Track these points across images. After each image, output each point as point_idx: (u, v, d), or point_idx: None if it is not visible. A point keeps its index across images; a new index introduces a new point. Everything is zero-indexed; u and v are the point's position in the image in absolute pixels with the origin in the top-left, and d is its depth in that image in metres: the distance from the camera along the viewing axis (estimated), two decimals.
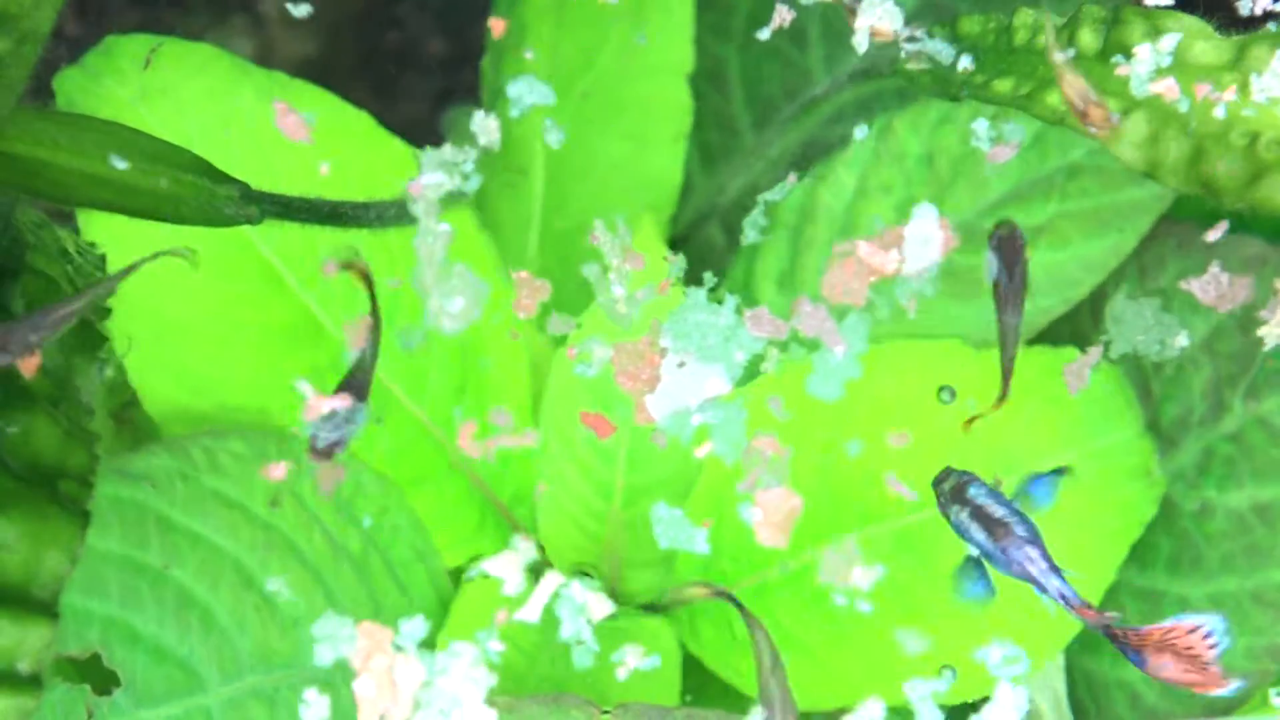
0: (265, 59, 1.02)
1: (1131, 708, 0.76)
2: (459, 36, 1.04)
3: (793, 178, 0.67)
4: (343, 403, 0.56)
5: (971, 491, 0.60)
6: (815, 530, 0.73)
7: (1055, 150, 0.75)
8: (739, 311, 0.66)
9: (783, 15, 0.65)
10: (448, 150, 0.60)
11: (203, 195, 0.61)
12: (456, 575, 0.75)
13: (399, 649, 0.62)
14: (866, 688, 0.72)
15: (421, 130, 0.72)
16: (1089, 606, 0.57)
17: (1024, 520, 0.59)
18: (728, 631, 0.75)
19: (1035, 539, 0.58)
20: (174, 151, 0.60)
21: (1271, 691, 0.73)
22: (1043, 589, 0.58)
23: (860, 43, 0.63)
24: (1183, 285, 0.64)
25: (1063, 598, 0.57)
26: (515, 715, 0.65)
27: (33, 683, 0.55)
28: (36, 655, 0.55)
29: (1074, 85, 0.58)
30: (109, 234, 0.69)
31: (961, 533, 0.60)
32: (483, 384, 0.75)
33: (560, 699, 0.66)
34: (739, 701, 0.75)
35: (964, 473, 0.61)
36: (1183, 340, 0.63)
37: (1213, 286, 0.65)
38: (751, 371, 0.68)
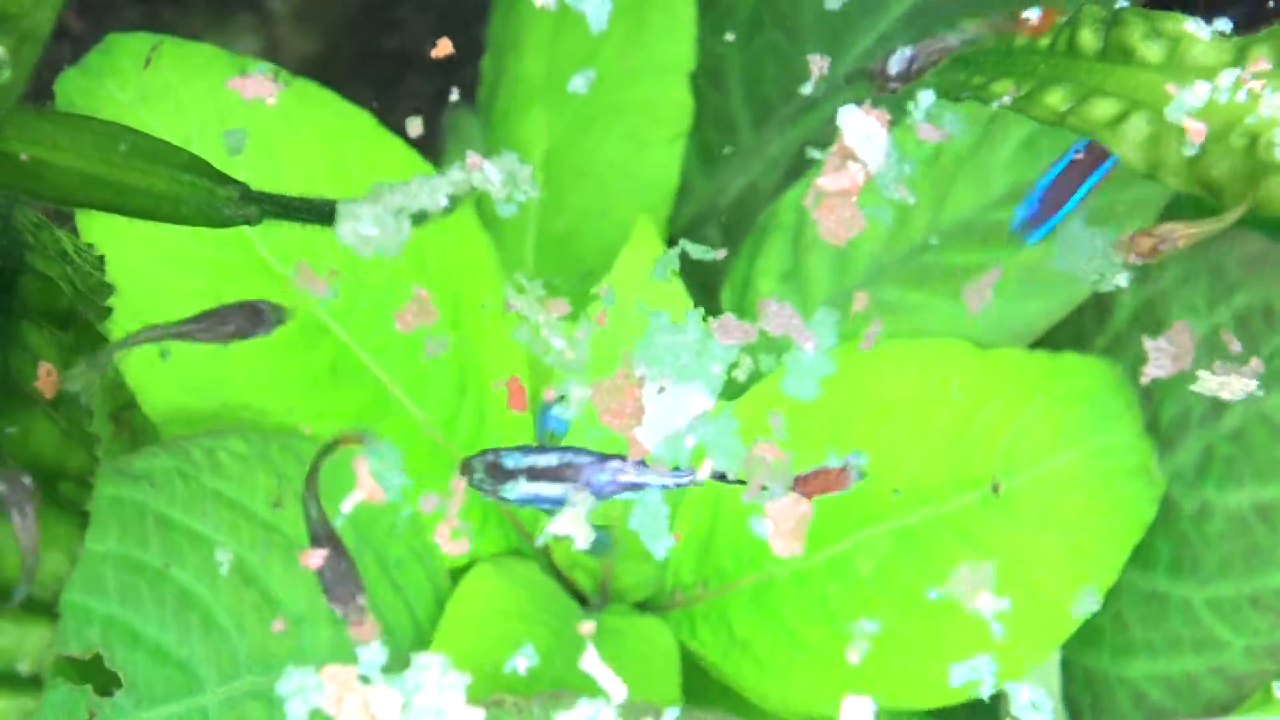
0: (266, 58, 1.02)
1: (1135, 706, 0.76)
2: (459, 37, 1.04)
3: (722, 253, 0.67)
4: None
5: (510, 461, 0.60)
6: (815, 531, 0.73)
7: (1054, 150, 0.75)
8: (705, 323, 0.66)
9: (820, 64, 0.65)
10: (525, 171, 0.60)
11: (202, 195, 0.61)
12: (456, 575, 0.75)
13: (366, 681, 0.62)
14: (868, 689, 0.73)
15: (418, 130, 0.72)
16: (698, 476, 0.58)
17: (571, 449, 0.59)
18: (726, 632, 0.75)
19: (600, 454, 0.59)
20: (174, 151, 0.60)
21: (1275, 685, 0.73)
22: (645, 486, 0.58)
23: None
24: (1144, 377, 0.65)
25: (675, 482, 0.58)
26: (518, 714, 0.65)
27: (33, 683, 0.55)
28: (37, 655, 0.55)
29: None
30: (108, 234, 0.69)
31: (535, 502, 0.60)
32: (482, 384, 0.75)
33: (560, 696, 0.66)
34: (738, 702, 0.75)
35: (481, 453, 0.61)
36: (1121, 281, 0.62)
37: (1166, 356, 0.66)
38: (731, 379, 0.69)
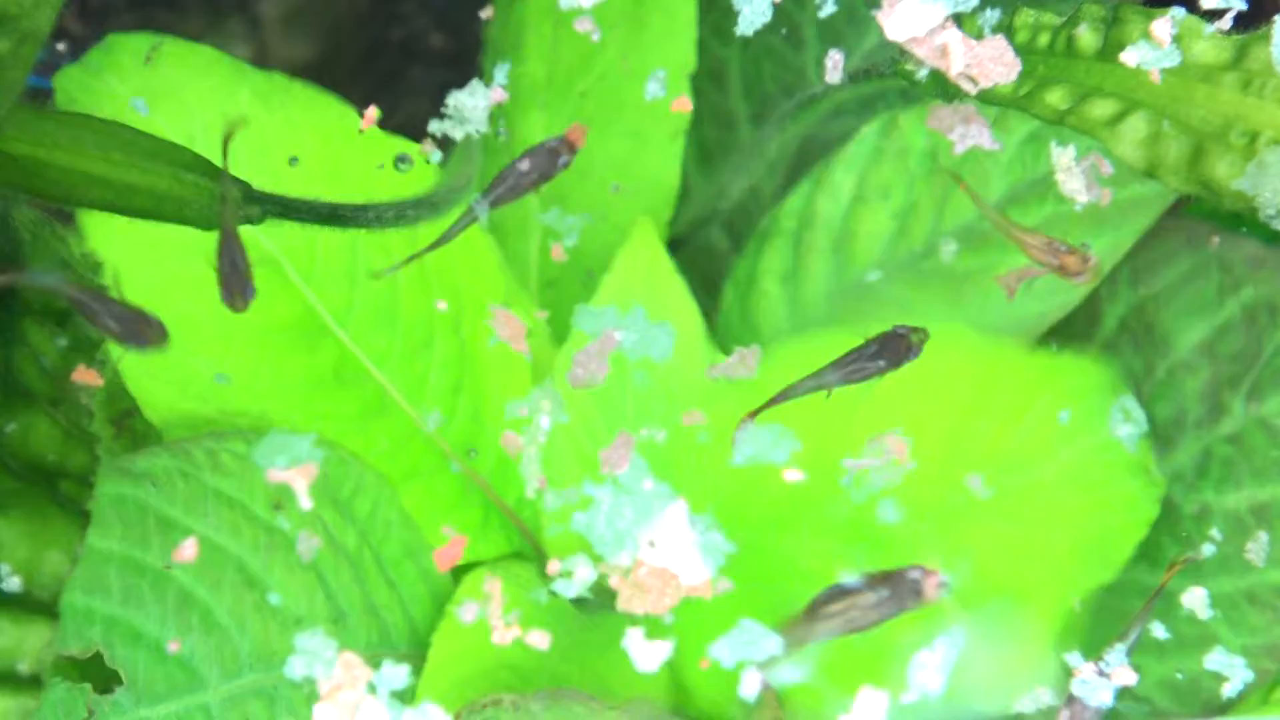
0: (263, 60, 1.02)
1: (1135, 706, 0.76)
2: (460, 32, 1.04)
3: (543, 314, 0.69)
4: None
5: None
6: (816, 529, 0.73)
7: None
8: (614, 482, 0.67)
9: (835, 59, 0.65)
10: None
11: (203, 195, 0.61)
12: (457, 573, 0.75)
13: (372, 690, 0.62)
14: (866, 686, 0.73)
15: (424, 124, 0.72)
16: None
17: None
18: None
19: None
20: (175, 151, 0.60)
21: None
22: None
23: None
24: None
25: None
26: (518, 713, 0.65)
27: (33, 683, 0.55)
28: (37, 655, 0.55)
29: (1035, 244, 0.59)
30: (108, 234, 0.69)
31: None
32: (478, 383, 0.75)
33: (562, 694, 0.66)
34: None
35: None
36: None
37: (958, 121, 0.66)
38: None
